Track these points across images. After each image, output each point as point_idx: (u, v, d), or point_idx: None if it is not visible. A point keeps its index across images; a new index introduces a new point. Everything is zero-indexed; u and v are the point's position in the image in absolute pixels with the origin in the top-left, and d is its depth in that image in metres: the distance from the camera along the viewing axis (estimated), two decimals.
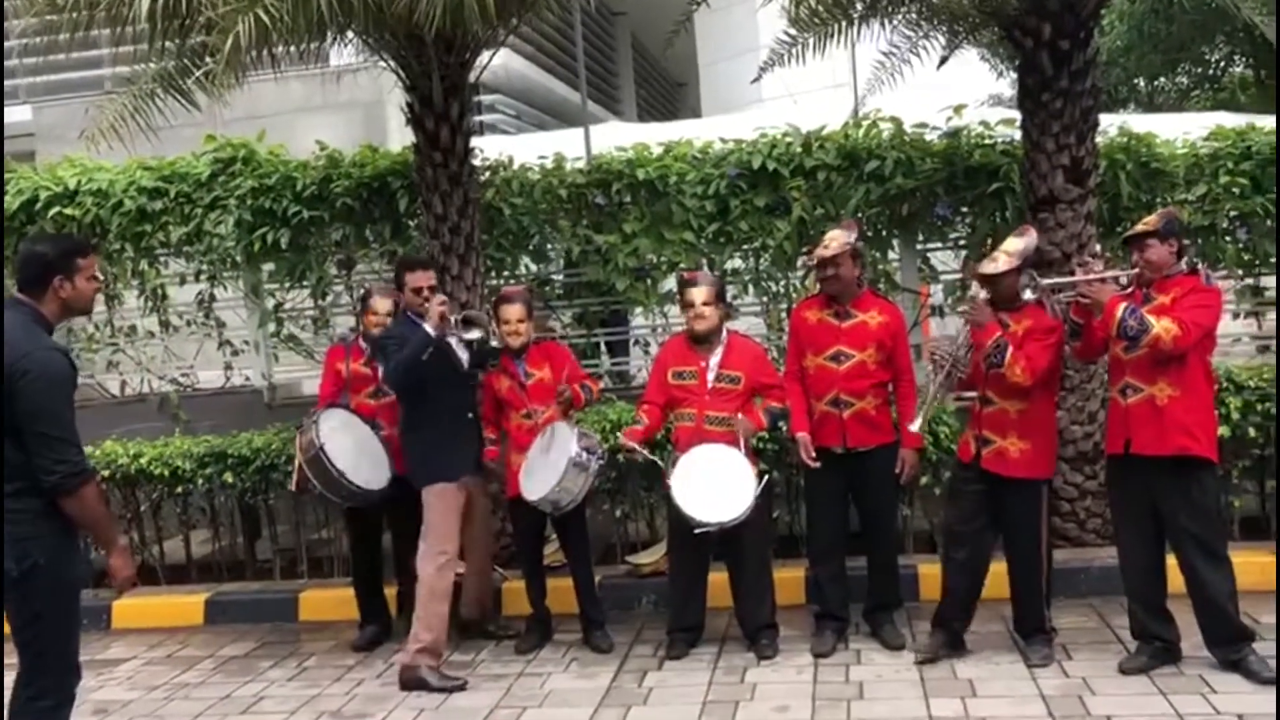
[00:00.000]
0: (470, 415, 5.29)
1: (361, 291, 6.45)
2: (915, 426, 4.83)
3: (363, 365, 5.66)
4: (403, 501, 5.34)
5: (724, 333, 5.18)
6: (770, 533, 5.64)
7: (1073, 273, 4.78)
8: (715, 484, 4.87)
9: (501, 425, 5.42)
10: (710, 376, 5.09)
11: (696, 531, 4.83)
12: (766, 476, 4.98)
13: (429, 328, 4.93)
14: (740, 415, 5.05)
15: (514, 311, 5.27)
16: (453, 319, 5.01)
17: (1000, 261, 4.69)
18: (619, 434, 5.42)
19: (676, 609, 5.31)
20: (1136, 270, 4.53)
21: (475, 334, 5.06)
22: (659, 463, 5.12)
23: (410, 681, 5.00)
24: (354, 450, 5.38)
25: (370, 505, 5.54)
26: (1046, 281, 4.68)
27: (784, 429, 5.38)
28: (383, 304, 5.64)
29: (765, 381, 5.18)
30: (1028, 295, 4.62)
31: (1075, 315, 4.63)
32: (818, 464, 5.02)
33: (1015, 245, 4.72)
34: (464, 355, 5.19)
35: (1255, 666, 4.45)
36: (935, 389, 4.75)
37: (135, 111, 6.10)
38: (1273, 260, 6.68)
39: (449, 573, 5.14)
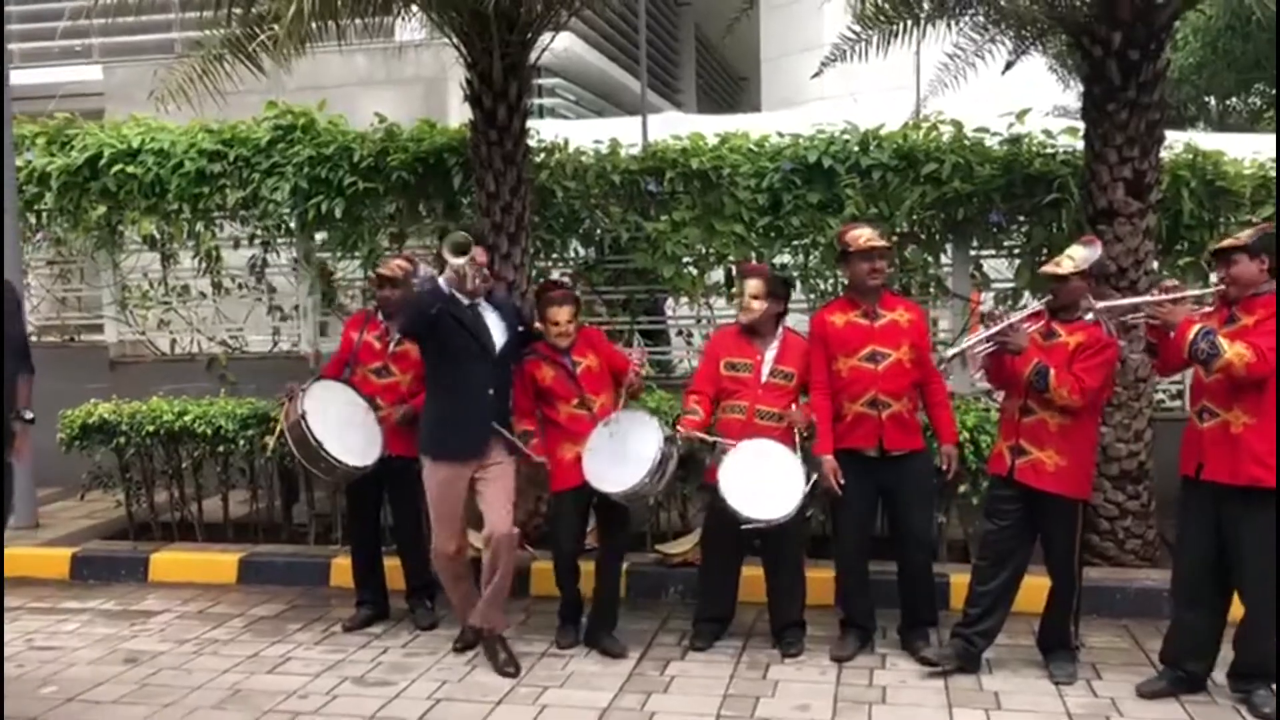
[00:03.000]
0: (491, 392, 4.99)
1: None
2: (951, 352, 4.65)
3: (375, 338, 5.58)
4: (403, 475, 5.32)
5: (780, 328, 5.12)
6: (805, 531, 5.58)
7: (1132, 287, 4.69)
8: (764, 480, 4.78)
9: (545, 416, 5.18)
10: (765, 370, 5.02)
11: (744, 528, 4.76)
12: (815, 476, 4.87)
13: (442, 281, 4.81)
14: (794, 407, 4.99)
15: (564, 314, 5.08)
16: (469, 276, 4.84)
17: (1065, 265, 4.61)
18: (678, 426, 5.16)
19: (706, 599, 5.29)
20: (1221, 287, 4.38)
21: (468, 257, 4.78)
22: (725, 450, 4.90)
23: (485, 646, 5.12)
24: (341, 424, 5.27)
25: (351, 481, 5.48)
26: (1102, 305, 4.58)
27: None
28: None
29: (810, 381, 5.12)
30: (1088, 318, 4.55)
31: (1149, 335, 4.53)
32: (840, 491, 4.91)
33: (1081, 252, 4.63)
34: (500, 334, 5.02)
35: (1260, 702, 4.36)
36: (977, 338, 4.63)
37: (203, 74, 6.19)
38: None
39: (453, 561, 5.07)
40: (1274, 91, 16.85)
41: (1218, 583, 4.46)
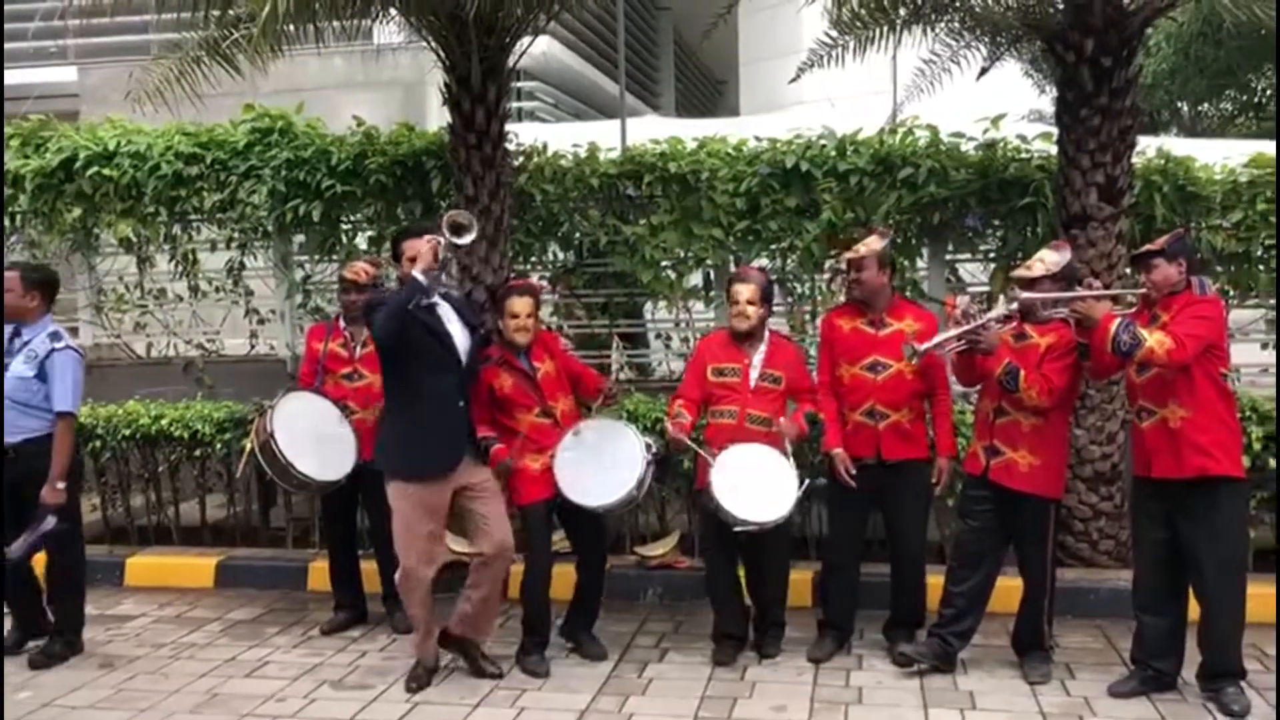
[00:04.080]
0: (461, 404, 4.73)
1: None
2: (923, 348, 4.59)
3: (340, 346, 5.56)
4: (378, 480, 5.15)
5: (766, 332, 5.08)
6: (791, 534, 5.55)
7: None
8: (757, 484, 4.75)
9: (505, 427, 4.95)
10: (754, 375, 4.97)
11: (736, 530, 4.74)
12: (808, 480, 4.85)
13: (418, 272, 4.49)
14: (784, 420, 4.94)
15: (524, 305, 4.89)
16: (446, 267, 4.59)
17: (1036, 268, 4.68)
18: (668, 428, 5.02)
19: (722, 614, 5.14)
20: (1144, 290, 4.52)
21: (467, 238, 4.53)
22: (705, 460, 4.85)
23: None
24: (311, 438, 5.26)
25: (325, 493, 5.47)
26: (1026, 295, 4.62)
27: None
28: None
29: (801, 385, 5.10)
30: (1012, 308, 4.63)
31: (1078, 336, 4.61)
32: (854, 483, 4.94)
33: (1051, 256, 4.71)
34: (463, 339, 4.75)
35: (1228, 700, 4.43)
36: (949, 335, 4.64)
37: (180, 76, 6.18)
38: None
39: (409, 584, 4.75)
40: (1244, 98, 17.07)
41: (1175, 583, 4.54)
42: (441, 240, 4.53)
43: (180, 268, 8.06)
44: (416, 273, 4.52)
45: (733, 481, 4.75)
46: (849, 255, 5.03)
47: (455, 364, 4.72)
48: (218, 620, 5.89)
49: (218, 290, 8.10)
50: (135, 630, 5.73)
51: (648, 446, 4.88)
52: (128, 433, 6.67)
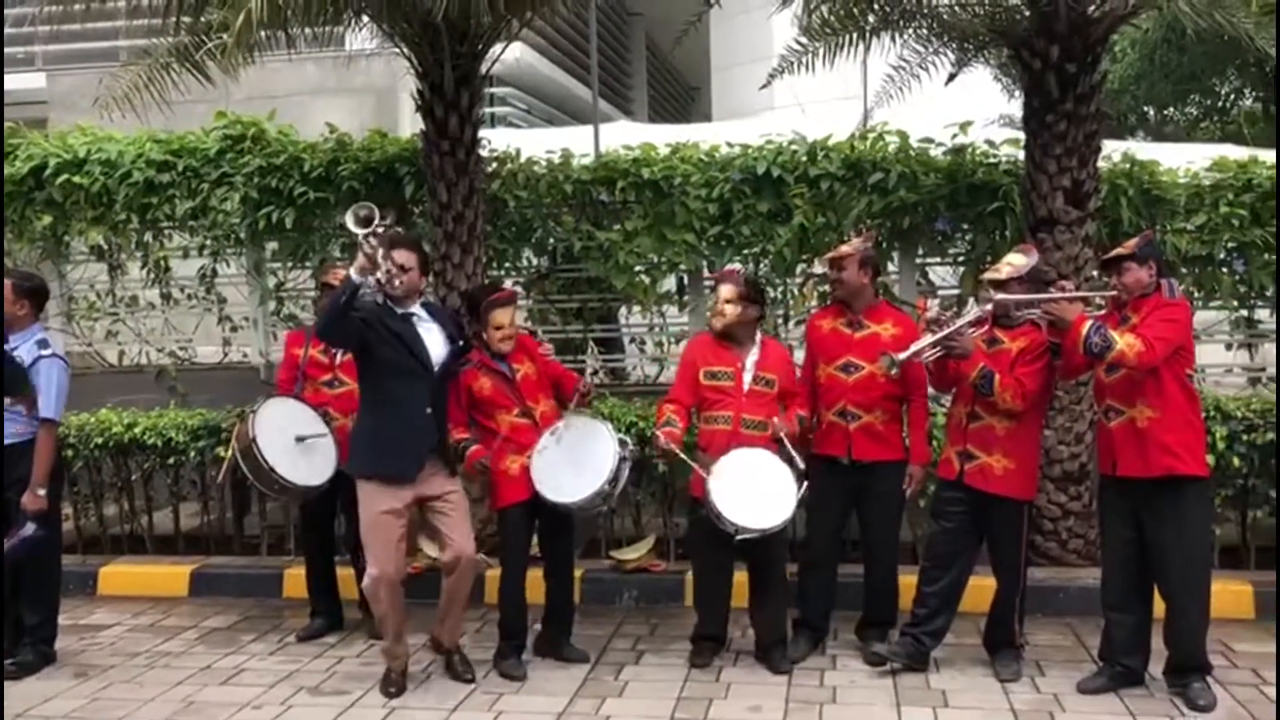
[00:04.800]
0: (429, 411, 4.71)
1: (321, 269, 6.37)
2: (901, 357, 4.62)
3: (320, 353, 5.55)
4: (355, 486, 5.28)
5: (758, 334, 5.05)
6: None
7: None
8: (756, 489, 4.70)
9: (484, 429, 4.98)
10: (747, 378, 4.92)
11: (738, 539, 4.70)
12: (806, 483, 4.81)
13: (352, 271, 4.48)
14: (776, 418, 4.93)
15: (508, 316, 4.96)
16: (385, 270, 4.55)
17: (1004, 271, 4.75)
18: (657, 437, 4.94)
19: (703, 616, 5.14)
20: (1114, 293, 4.60)
21: (377, 226, 4.50)
22: (700, 473, 4.77)
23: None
24: (292, 444, 5.26)
25: (306, 499, 5.47)
26: (1000, 297, 4.69)
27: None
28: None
29: (790, 388, 5.08)
30: (986, 309, 4.70)
31: (1050, 335, 4.68)
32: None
33: (1018, 259, 4.78)
34: (438, 347, 4.76)
35: (1195, 695, 4.50)
36: (925, 342, 4.66)
37: (149, 83, 6.16)
38: (1268, 293, 6.73)
39: (378, 589, 4.72)
40: (1209, 103, 17.31)
41: (1142, 581, 4.61)
42: (371, 240, 4.50)
43: (152, 275, 8.04)
44: (351, 272, 4.50)
45: (731, 488, 4.69)
46: (831, 254, 5.08)
47: (424, 372, 4.71)
48: (193, 628, 5.87)
49: (190, 298, 8.08)
50: (109, 639, 5.70)
51: (622, 443, 4.85)
52: (100, 441, 6.64)
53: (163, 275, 8.04)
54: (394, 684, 4.84)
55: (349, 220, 4.52)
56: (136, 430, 6.64)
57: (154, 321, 8.21)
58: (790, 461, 4.80)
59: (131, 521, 6.96)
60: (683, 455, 4.86)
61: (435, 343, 4.77)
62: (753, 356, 4.97)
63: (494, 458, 4.93)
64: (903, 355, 4.65)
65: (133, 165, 7.65)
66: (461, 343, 4.91)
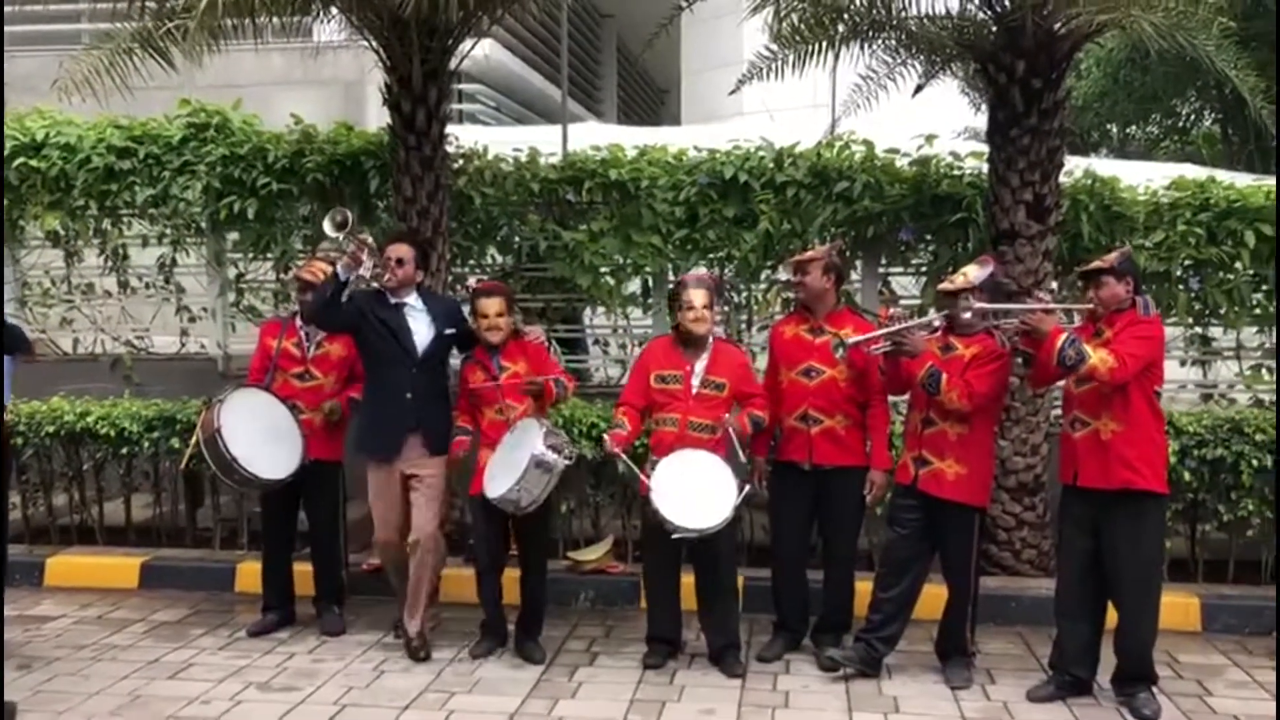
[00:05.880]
0: (408, 396, 5.09)
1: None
2: (850, 342, 4.70)
3: (293, 345, 5.54)
4: (321, 479, 5.34)
5: (710, 338, 5.07)
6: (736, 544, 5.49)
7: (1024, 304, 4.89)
8: (696, 490, 4.75)
9: (477, 420, 5.21)
10: (695, 381, 4.96)
11: (674, 537, 4.74)
12: (748, 486, 4.88)
13: (339, 268, 4.92)
14: (729, 415, 4.95)
15: (493, 305, 5.07)
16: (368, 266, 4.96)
17: (958, 281, 4.80)
18: (605, 439, 5.03)
19: (653, 616, 5.18)
20: (1090, 306, 4.66)
21: (350, 228, 4.93)
22: (645, 478, 4.81)
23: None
24: (258, 436, 5.24)
25: (268, 491, 5.45)
26: (978, 305, 4.74)
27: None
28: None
29: (746, 390, 5.09)
30: (965, 317, 4.73)
31: (1024, 345, 4.74)
32: (768, 492, 5.09)
33: (974, 270, 4.84)
34: (425, 337, 5.14)
35: (1140, 705, 4.57)
36: (874, 335, 4.73)
37: (110, 67, 6.05)
38: (1221, 311, 6.83)
39: (396, 549, 5.29)
40: (1170, 123, 17.59)
41: (1096, 591, 4.67)
42: (351, 242, 4.93)
43: (109, 263, 7.93)
44: (338, 268, 4.93)
45: (672, 488, 4.75)
46: (796, 258, 5.11)
47: (408, 359, 5.11)
48: (141, 621, 5.78)
49: (148, 287, 7.98)
50: (55, 631, 5.60)
51: (555, 448, 4.81)
52: (51, 429, 6.53)
53: (120, 263, 7.93)
54: (414, 650, 5.17)
55: (326, 226, 4.95)
56: (89, 419, 6.53)
57: (110, 310, 8.09)
58: (734, 459, 4.86)
59: (82, 512, 6.85)
60: (624, 458, 4.94)
61: (423, 331, 5.13)
62: (703, 361, 5.01)
63: (472, 450, 5.20)
64: (852, 340, 4.71)
65: (92, 150, 7.55)
66: (451, 331, 5.21)
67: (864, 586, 5.15)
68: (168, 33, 5.94)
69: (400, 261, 5.13)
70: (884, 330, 4.73)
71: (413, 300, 5.21)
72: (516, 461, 4.85)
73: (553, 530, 5.61)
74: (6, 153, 7.56)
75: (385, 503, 5.23)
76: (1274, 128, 6.87)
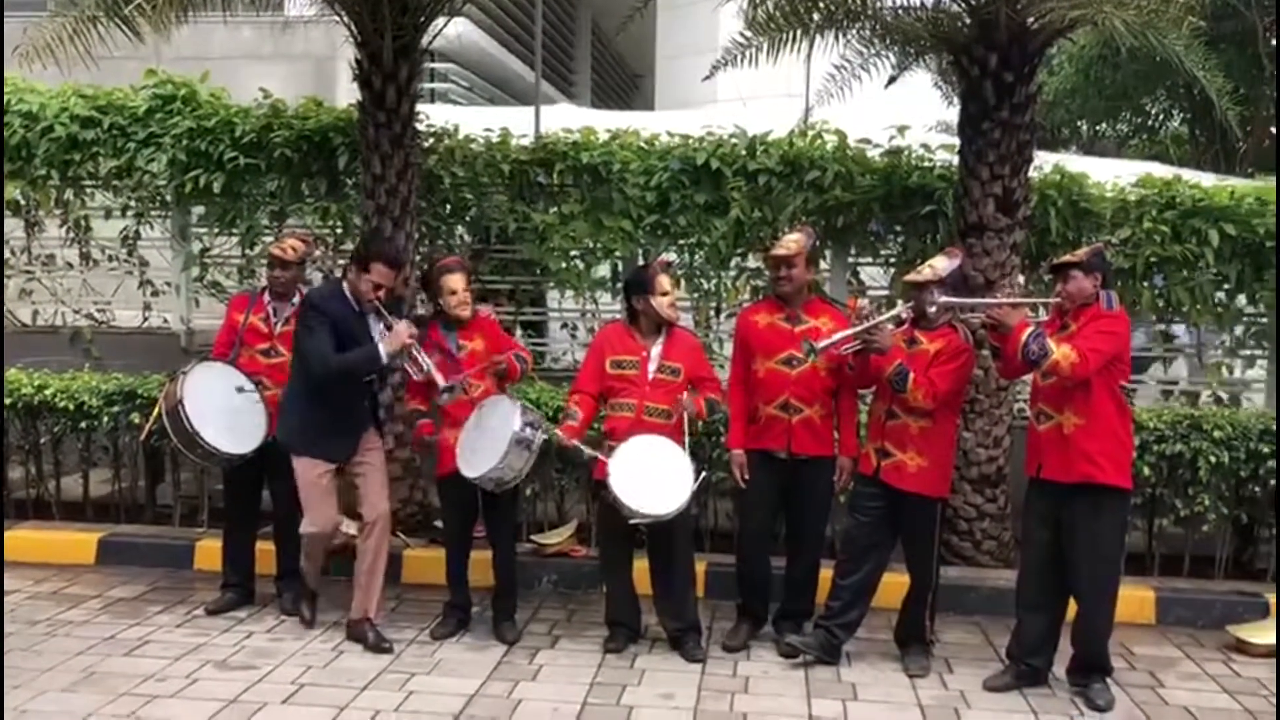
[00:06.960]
0: (365, 403, 5.22)
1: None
2: (820, 345, 4.72)
3: (260, 320, 5.49)
4: (285, 457, 5.26)
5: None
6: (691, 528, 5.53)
7: (993, 297, 4.92)
8: (653, 476, 4.76)
9: (432, 400, 5.14)
10: (651, 367, 4.98)
11: (632, 522, 4.78)
12: (704, 472, 4.90)
13: (384, 350, 4.91)
14: (685, 395, 4.96)
15: (460, 281, 5.10)
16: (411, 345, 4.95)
17: (926, 273, 4.81)
18: (556, 428, 5.09)
19: (611, 600, 5.21)
20: (1058, 300, 4.69)
21: (446, 398, 4.98)
22: (604, 459, 4.83)
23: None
24: (222, 410, 5.21)
25: (230, 465, 5.41)
26: (944, 299, 4.76)
27: (722, 433, 5.41)
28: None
29: (701, 374, 5.11)
30: (930, 311, 4.75)
31: (991, 338, 4.78)
32: (745, 485, 5.09)
33: (941, 263, 4.86)
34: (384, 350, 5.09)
35: (1094, 695, 4.64)
36: (844, 335, 4.74)
37: (75, 35, 5.93)
38: (1184, 308, 6.90)
39: (313, 544, 5.19)
40: (1139, 121, 17.74)
41: (1057, 583, 4.72)
42: (415, 334, 4.95)
43: (71, 234, 7.81)
44: (384, 351, 4.92)
45: (629, 473, 4.76)
46: (779, 253, 5.08)
47: (373, 369, 5.11)
48: (97, 598, 5.71)
49: (111, 259, 7.87)
50: (9, 606, 5.51)
51: (530, 424, 4.85)
52: (8, 402, 6.43)
53: (82, 235, 7.82)
54: (377, 642, 5.06)
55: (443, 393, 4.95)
56: (47, 392, 6.44)
57: (71, 282, 7.97)
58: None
59: (39, 486, 6.76)
60: (581, 446, 4.95)
61: (381, 339, 5.04)
62: (658, 346, 5.03)
63: (436, 431, 5.16)
64: (823, 343, 4.72)
65: (55, 119, 7.42)
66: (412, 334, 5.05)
67: (825, 574, 5.18)
68: (135, 4, 5.84)
69: (377, 287, 4.99)
70: (854, 330, 4.73)
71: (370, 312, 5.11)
72: (494, 440, 4.84)
73: (517, 513, 5.59)
74: None
75: (319, 494, 5.08)
76: (1239, 129, 6.94)
